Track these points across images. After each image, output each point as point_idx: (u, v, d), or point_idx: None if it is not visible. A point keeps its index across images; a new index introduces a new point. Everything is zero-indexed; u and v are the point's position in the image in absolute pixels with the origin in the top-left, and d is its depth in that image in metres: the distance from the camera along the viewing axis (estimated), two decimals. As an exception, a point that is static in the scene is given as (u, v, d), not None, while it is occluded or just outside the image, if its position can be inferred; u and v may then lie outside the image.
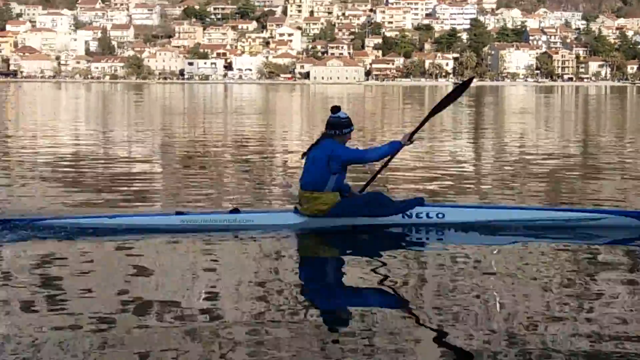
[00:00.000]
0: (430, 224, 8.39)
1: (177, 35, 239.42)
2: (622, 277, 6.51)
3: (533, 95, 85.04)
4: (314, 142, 8.52)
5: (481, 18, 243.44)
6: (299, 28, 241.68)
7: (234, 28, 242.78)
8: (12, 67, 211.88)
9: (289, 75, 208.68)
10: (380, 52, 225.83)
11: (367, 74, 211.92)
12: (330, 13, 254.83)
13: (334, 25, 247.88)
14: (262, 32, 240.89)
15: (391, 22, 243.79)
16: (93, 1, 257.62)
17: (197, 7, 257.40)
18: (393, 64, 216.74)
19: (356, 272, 6.73)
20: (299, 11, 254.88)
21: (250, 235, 7.97)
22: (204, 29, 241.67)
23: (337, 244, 8.03)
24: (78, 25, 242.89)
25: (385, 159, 8.75)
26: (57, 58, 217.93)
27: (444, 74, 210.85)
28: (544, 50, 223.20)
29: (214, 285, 6.16)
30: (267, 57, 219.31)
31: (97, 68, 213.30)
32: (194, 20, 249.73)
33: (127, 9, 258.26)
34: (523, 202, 10.54)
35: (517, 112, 45.07)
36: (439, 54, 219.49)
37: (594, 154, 18.57)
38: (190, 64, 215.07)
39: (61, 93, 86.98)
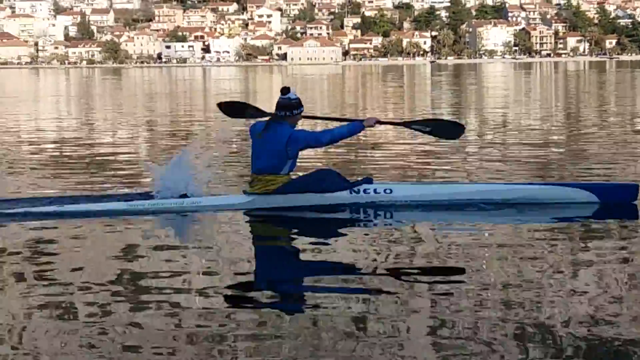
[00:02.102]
0: (379, 200, 8.22)
1: (157, 18, 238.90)
2: (574, 255, 6.32)
3: (509, 72, 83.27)
4: (266, 123, 8.30)
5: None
6: (279, 9, 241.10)
7: (213, 10, 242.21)
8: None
9: (267, 57, 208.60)
10: (359, 31, 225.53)
11: (345, 54, 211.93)
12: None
13: (314, 5, 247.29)
14: (242, 13, 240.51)
15: (371, 2, 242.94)
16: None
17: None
18: (371, 43, 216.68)
19: (302, 252, 6.76)
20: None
21: (199, 217, 8.02)
22: (184, 12, 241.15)
23: (284, 224, 7.94)
24: (58, 10, 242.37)
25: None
26: (35, 44, 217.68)
27: (421, 52, 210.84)
28: (522, 26, 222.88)
29: (161, 268, 6.08)
30: (245, 39, 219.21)
31: (75, 53, 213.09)
32: (174, 3, 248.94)
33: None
34: (478, 178, 10.25)
35: (484, 88, 44.69)
36: (417, 33, 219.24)
37: (559, 129, 18.10)
38: (168, 47, 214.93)
39: (40, 79, 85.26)
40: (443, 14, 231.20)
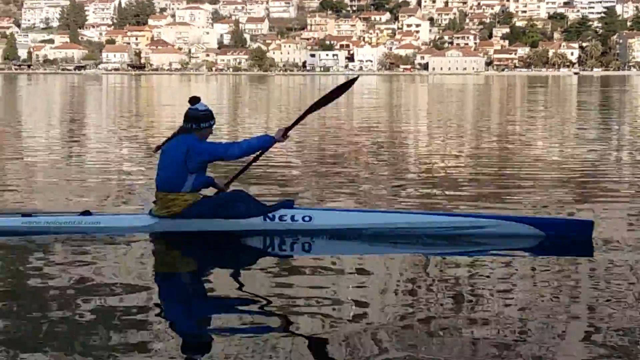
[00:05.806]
0: (296, 229, 7.49)
1: (309, 27, 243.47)
2: (495, 294, 5.71)
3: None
4: (170, 135, 7.65)
5: (619, 7, 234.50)
6: (430, 19, 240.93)
7: (365, 19, 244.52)
8: (142, 61, 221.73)
9: (409, 67, 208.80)
10: (507, 42, 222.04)
11: (489, 64, 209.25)
12: (464, 3, 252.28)
13: (466, 15, 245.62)
14: (393, 23, 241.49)
15: (524, 12, 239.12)
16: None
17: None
18: (516, 54, 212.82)
19: (209, 282, 6.33)
20: (434, 1, 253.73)
21: (99, 239, 7.26)
22: (335, 21, 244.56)
23: (191, 250, 7.37)
24: (217, 18, 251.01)
25: (254, 154, 7.83)
26: (189, 51, 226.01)
27: (567, 63, 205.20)
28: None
29: (41, 290, 5.73)
30: (390, 48, 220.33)
31: (223, 60, 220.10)
32: (329, 12, 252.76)
33: (267, 2, 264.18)
34: (407, 206, 9.15)
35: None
36: (564, 44, 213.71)
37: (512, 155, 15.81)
38: (312, 55, 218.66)
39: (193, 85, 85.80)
40: (596, 24, 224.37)
